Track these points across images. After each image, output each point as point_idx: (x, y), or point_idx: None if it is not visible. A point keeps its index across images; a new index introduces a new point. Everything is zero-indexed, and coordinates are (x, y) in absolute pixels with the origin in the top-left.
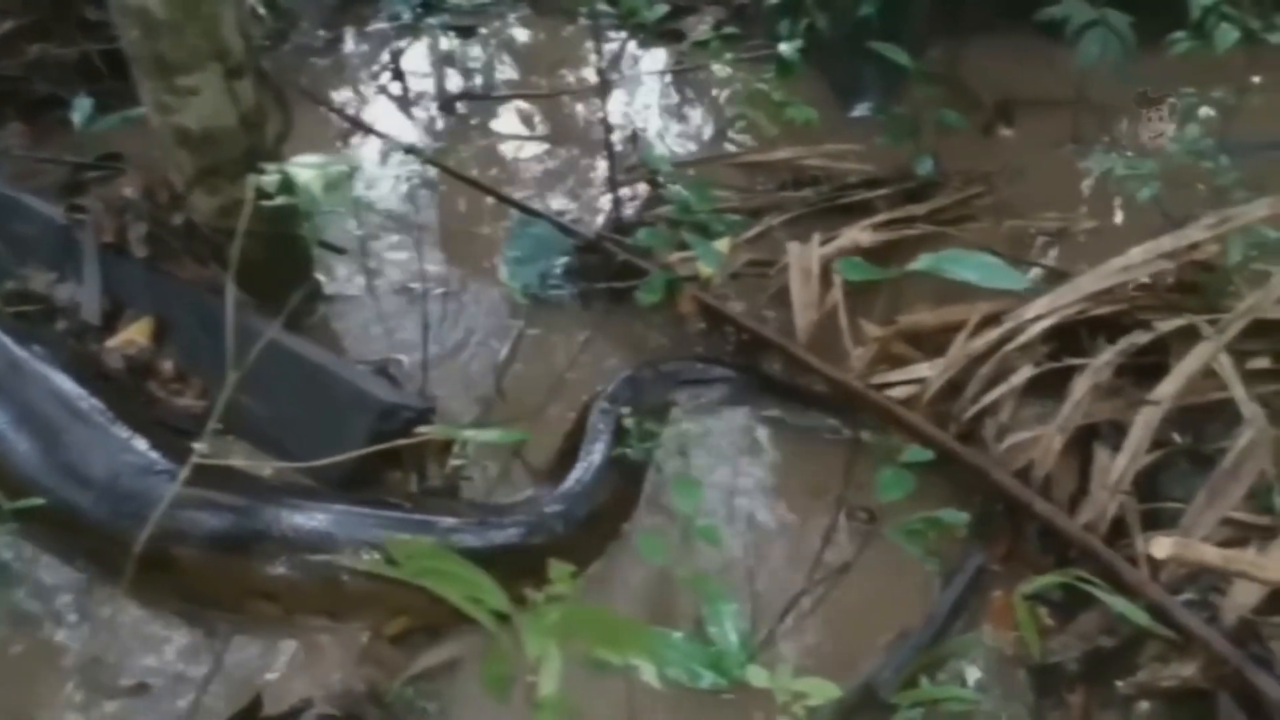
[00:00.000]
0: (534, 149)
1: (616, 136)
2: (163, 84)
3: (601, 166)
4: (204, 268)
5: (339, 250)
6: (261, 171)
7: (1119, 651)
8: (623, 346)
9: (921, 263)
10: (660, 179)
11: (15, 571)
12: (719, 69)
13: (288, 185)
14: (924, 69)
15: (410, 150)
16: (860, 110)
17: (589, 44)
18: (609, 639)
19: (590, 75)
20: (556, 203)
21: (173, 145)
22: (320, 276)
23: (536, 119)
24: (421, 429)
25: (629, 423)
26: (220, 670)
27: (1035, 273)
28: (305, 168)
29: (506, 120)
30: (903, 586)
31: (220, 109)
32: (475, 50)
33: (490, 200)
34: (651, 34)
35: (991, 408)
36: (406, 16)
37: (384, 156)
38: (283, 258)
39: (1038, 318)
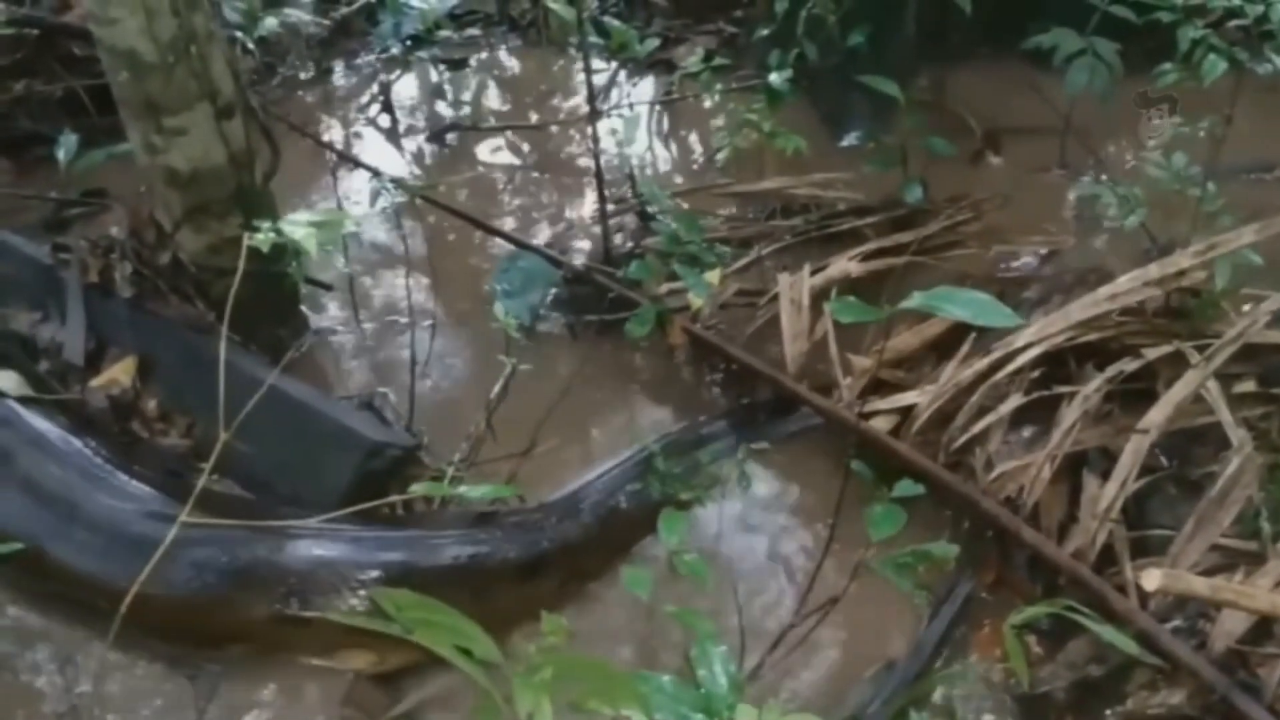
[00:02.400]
0: (523, 180)
1: (606, 167)
2: (151, 125)
3: (590, 198)
4: (190, 306)
5: (326, 287)
6: (251, 212)
7: (1108, 680)
8: (613, 378)
9: (913, 301)
10: (650, 210)
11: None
12: (709, 99)
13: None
14: (912, 97)
15: (398, 184)
16: (849, 139)
17: (578, 75)
18: (600, 689)
19: (580, 106)
20: (545, 234)
21: (160, 185)
22: (306, 310)
23: (526, 150)
24: (414, 486)
25: (659, 462)
26: (205, 716)
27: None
28: (299, 225)
29: (495, 152)
30: (889, 616)
31: (209, 149)
32: (464, 82)
33: (479, 232)
34: (641, 64)
35: (980, 436)
36: (395, 49)
37: (374, 196)
38: (269, 295)
39: (1027, 346)
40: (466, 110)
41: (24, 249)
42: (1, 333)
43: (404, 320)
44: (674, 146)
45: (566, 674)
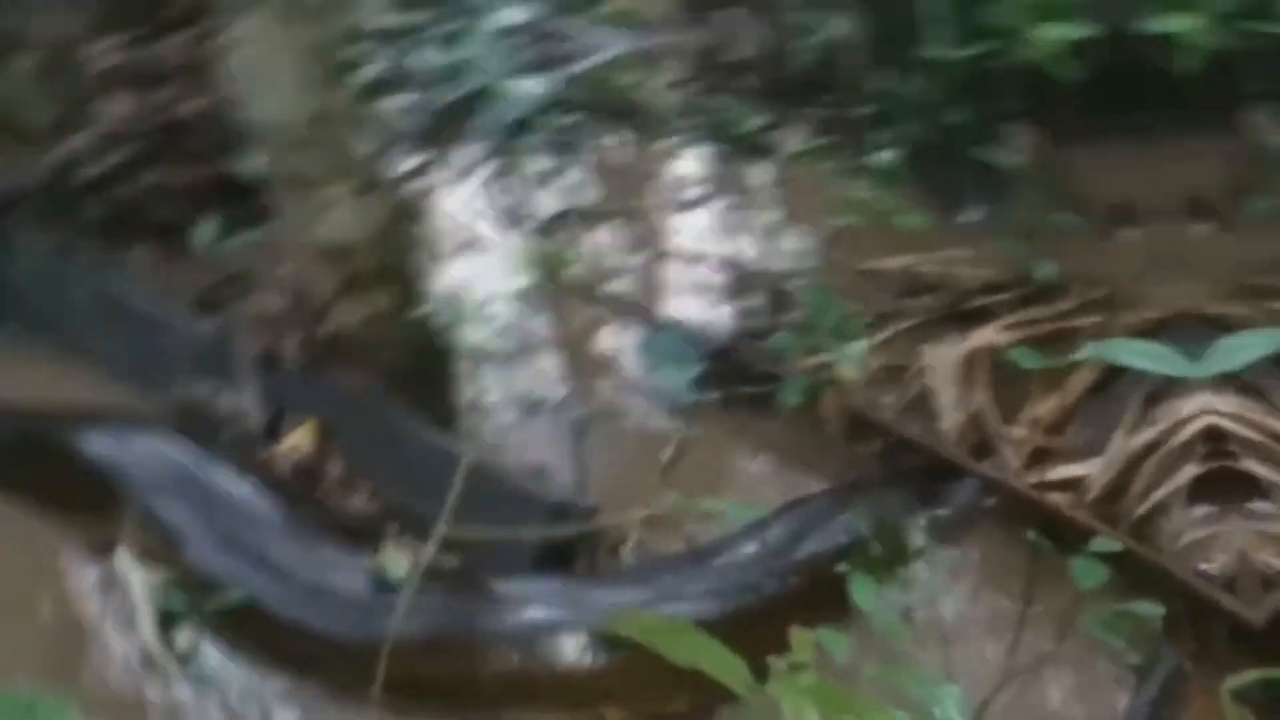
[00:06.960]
0: (635, 265)
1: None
2: (299, 200)
3: (704, 281)
4: (354, 375)
5: (484, 358)
6: (400, 286)
7: None
8: (766, 449)
9: (1089, 350)
10: (781, 287)
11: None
12: (817, 180)
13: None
14: (1025, 172)
15: (535, 266)
16: (967, 215)
17: (680, 161)
18: (850, 708)
19: (683, 191)
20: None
21: (312, 259)
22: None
23: (634, 236)
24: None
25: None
26: None
27: None
28: None
29: (606, 237)
30: (1088, 683)
31: (352, 223)
32: (571, 169)
33: (602, 313)
34: (744, 148)
35: (1160, 507)
36: (502, 137)
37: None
38: (428, 367)
39: (1193, 416)
40: (574, 198)
41: (191, 325)
42: (180, 407)
43: (552, 395)
44: (787, 228)
45: (820, 691)
